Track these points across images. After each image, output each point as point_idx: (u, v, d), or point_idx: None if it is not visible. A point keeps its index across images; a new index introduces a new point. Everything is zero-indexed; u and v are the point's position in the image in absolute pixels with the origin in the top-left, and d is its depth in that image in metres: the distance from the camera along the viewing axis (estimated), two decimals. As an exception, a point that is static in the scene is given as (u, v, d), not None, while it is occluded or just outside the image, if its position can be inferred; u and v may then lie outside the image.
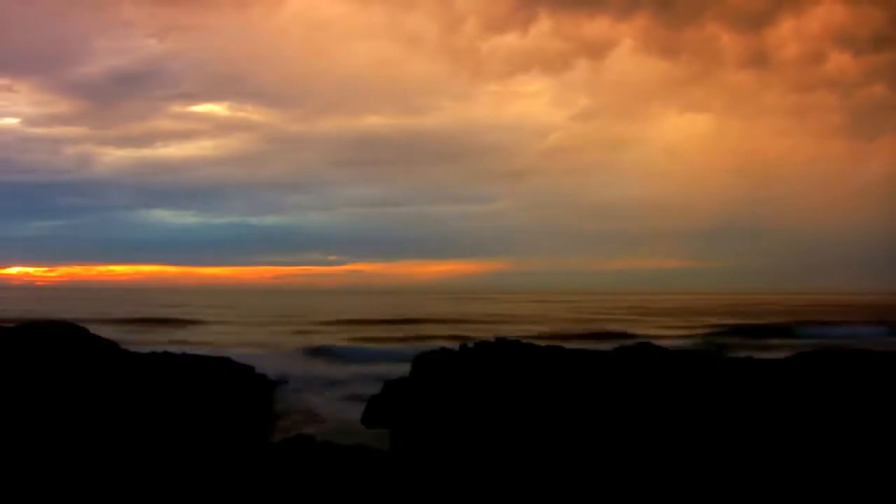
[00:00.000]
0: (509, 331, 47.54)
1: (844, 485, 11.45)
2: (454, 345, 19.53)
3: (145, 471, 12.31)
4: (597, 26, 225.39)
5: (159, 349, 26.02)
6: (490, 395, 16.26)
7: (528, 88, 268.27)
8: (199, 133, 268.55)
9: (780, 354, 18.94)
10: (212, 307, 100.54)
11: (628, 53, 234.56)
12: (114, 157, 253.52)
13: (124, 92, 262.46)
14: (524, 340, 19.04)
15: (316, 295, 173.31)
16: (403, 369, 19.07)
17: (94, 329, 22.37)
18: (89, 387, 18.30)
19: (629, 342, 19.18)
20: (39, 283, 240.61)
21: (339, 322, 69.27)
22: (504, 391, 16.25)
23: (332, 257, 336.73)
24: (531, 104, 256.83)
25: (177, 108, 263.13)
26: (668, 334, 56.21)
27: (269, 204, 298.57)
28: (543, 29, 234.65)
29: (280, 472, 12.15)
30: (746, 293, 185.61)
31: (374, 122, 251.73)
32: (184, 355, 23.55)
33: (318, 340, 48.62)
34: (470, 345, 18.71)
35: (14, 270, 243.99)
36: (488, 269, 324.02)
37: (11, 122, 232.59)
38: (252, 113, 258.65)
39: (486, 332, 42.23)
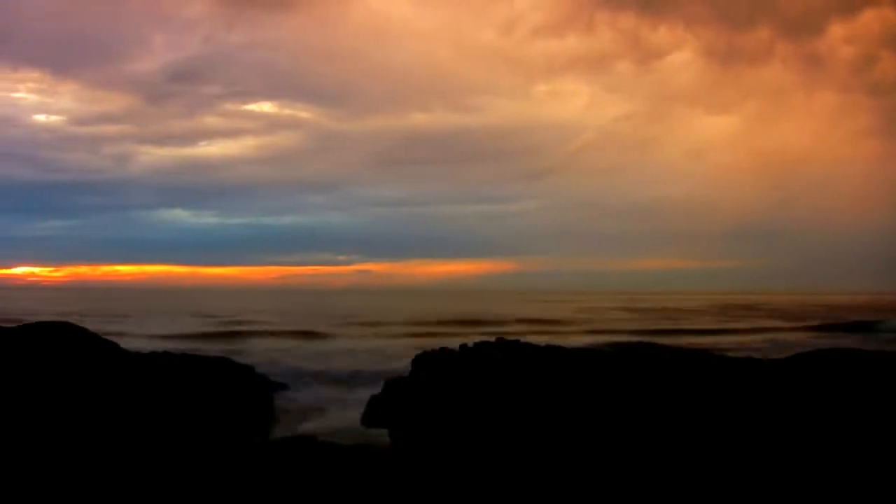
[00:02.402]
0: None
1: (844, 484, 11.47)
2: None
3: (146, 470, 12.32)
4: (647, 30, 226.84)
5: (159, 349, 26.09)
6: (490, 394, 16.27)
7: (575, 90, 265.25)
8: (245, 131, 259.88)
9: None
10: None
11: (678, 57, 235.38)
12: (153, 156, 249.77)
13: (177, 89, 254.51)
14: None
15: (306, 295, 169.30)
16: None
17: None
18: (89, 386, 18.32)
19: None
20: (43, 284, 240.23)
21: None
22: (504, 391, 16.26)
23: (342, 257, 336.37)
24: (578, 105, 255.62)
25: (228, 105, 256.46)
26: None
27: (291, 204, 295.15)
28: (596, 32, 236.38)
29: (280, 471, 12.17)
30: (796, 293, 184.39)
31: (421, 119, 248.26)
32: (184, 355, 23.58)
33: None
34: (470, 345, 18.71)
35: (19, 270, 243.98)
36: (497, 269, 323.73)
37: (56, 119, 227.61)
38: (300, 111, 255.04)
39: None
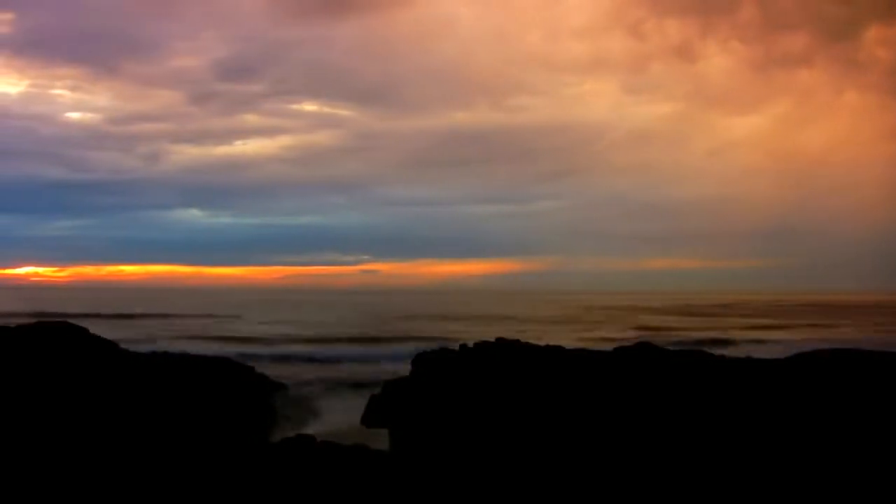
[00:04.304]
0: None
1: (843, 483, 11.47)
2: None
3: (146, 470, 12.32)
4: (685, 32, 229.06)
5: (159, 349, 26.09)
6: (490, 394, 16.27)
7: (612, 91, 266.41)
8: (283, 130, 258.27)
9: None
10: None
11: (714, 60, 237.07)
12: (185, 155, 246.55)
13: (222, 87, 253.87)
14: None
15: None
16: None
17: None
18: (89, 387, 18.31)
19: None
20: (45, 283, 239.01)
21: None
22: (504, 391, 16.26)
23: (349, 257, 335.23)
24: (612, 106, 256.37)
25: (271, 104, 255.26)
26: None
27: (311, 204, 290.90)
28: (637, 35, 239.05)
29: (280, 471, 12.16)
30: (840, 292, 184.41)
31: (462, 118, 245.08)
32: (184, 355, 23.56)
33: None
34: (470, 344, 18.71)
35: (22, 270, 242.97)
36: (502, 269, 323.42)
37: (91, 117, 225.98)
38: (343, 109, 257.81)
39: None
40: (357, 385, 29.40)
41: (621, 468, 12.65)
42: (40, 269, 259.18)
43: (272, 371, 28.15)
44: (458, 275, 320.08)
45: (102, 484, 11.70)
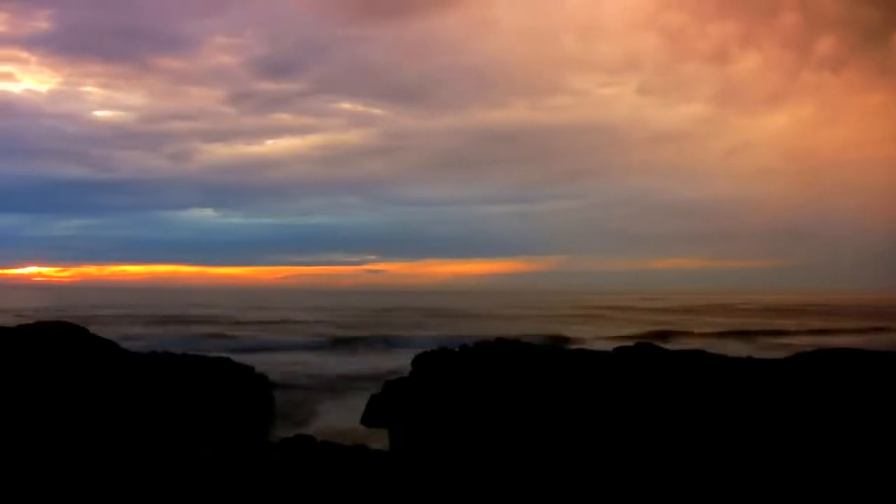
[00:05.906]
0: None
1: (844, 484, 11.45)
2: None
3: (145, 470, 12.30)
4: (718, 34, 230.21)
5: (159, 349, 26.07)
6: (490, 394, 16.27)
7: (643, 91, 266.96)
8: (316, 129, 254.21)
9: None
10: None
11: (743, 61, 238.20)
12: (212, 154, 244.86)
13: (260, 86, 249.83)
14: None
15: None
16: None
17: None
18: (89, 387, 18.31)
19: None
20: (47, 283, 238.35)
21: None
22: (504, 391, 16.26)
23: (354, 257, 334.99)
24: (640, 106, 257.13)
25: (308, 103, 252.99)
26: None
27: (325, 204, 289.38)
28: (670, 36, 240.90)
29: (280, 471, 12.15)
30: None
31: (496, 118, 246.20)
32: (184, 355, 23.54)
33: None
34: (470, 345, 18.71)
35: (26, 270, 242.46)
36: (506, 269, 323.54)
37: (122, 115, 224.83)
38: (376, 108, 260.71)
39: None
40: (357, 384, 29.36)
41: (622, 469, 12.64)
42: (44, 269, 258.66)
43: (271, 371, 28.17)
44: (465, 275, 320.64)
45: (101, 484, 11.69)
